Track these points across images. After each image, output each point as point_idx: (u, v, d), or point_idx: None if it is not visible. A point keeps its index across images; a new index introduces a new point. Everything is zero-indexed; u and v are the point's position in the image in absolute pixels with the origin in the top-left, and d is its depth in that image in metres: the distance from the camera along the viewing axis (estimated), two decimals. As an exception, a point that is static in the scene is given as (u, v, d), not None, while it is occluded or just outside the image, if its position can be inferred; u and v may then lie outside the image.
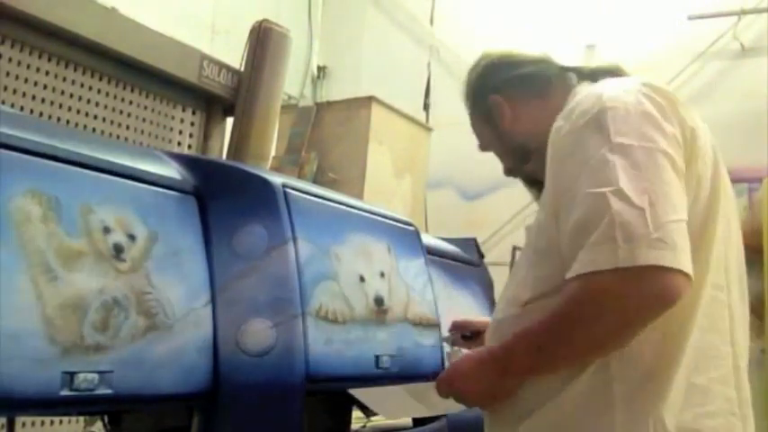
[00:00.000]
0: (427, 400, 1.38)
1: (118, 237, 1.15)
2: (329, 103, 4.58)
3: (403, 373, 1.58)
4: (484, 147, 1.48)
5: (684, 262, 1.00)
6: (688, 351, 1.10)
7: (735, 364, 1.18)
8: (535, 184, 1.38)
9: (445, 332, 1.72)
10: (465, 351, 1.60)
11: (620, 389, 1.08)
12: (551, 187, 1.15)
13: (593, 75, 1.36)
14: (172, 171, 1.35)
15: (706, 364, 1.13)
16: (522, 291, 1.20)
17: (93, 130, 2.04)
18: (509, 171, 1.46)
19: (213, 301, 1.27)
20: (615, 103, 1.11)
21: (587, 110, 1.13)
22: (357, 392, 1.37)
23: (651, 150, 1.06)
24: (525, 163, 1.39)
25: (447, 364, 1.57)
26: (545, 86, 1.37)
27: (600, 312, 1.03)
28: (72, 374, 1.03)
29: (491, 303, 2.20)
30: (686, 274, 1.00)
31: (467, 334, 1.67)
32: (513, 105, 1.38)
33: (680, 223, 1.02)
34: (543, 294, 1.15)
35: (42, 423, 1.84)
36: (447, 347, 1.63)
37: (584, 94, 1.19)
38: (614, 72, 1.34)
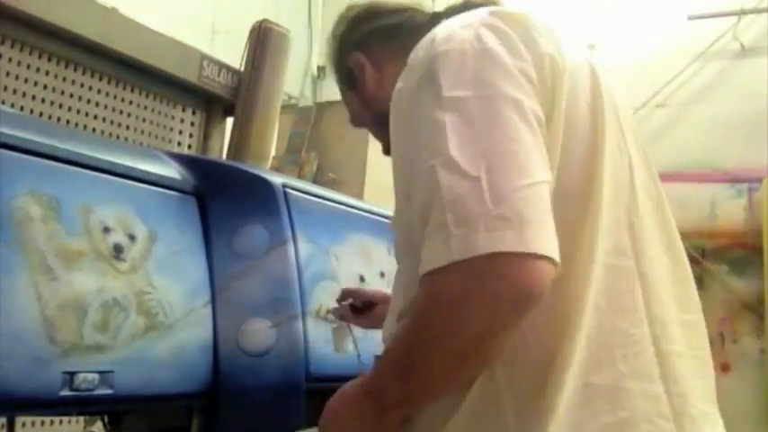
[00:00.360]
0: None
1: (118, 237, 1.15)
2: (329, 103, 4.58)
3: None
4: (355, 122, 1.24)
5: (539, 240, 0.75)
6: (582, 341, 0.83)
7: (657, 350, 0.89)
8: None
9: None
10: (350, 328, 1.39)
11: (511, 403, 0.83)
12: (399, 169, 0.92)
13: (452, 13, 1.04)
14: (172, 171, 1.35)
15: (610, 355, 0.85)
16: (395, 302, 0.96)
17: (93, 130, 2.04)
18: (387, 150, 1.08)
19: (213, 301, 1.27)
20: (448, 45, 0.86)
21: (420, 62, 0.89)
22: None
23: (491, 99, 0.81)
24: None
25: (335, 342, 1.35)
26: (413, 38, 0.98)
27: (444, 322, 0.78)
28: (72, 374, 1.03)
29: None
30: (545, 257, 0.75)
31: (357, 305, 1.40)
32: (378, 64, 1.13)
33: (533, 188, 0.77)
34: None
35: (42, 423, 1.84)
36: (332, 322, 1.38)
37: (420, 43, 0.93)
38: (485, 3, 1.03)
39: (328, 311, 1.40)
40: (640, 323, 0.89)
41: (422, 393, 0.85)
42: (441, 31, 0.90)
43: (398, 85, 0.92)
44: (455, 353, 0.79)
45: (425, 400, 0.87)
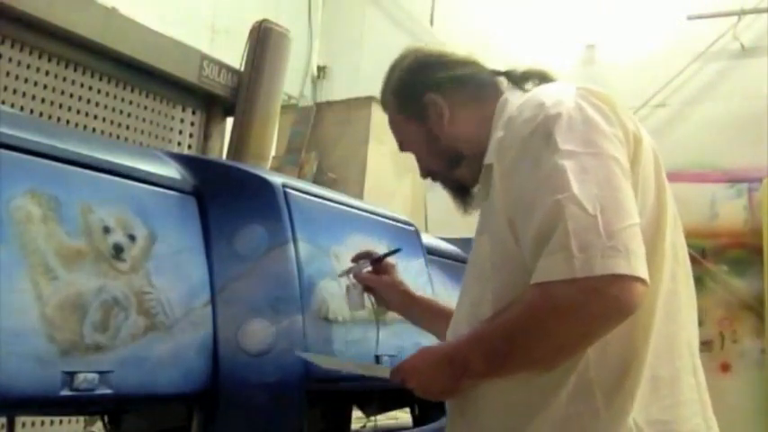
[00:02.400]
0: (368, 373, 1.37)
1: (118, 237, 1.15)
2: (329, 103, 4.58)
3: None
4: (407, 147, 1.39)
5: (640, 268, 1.00)
6: (652, 344, 1.10)
7: (690, 351, 1.18)
8: (460, 190, 1.36)
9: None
10: (362, 291, 1.48)
11: (601, 393, 1.07)
12: (504, 198, 1.13)
13: (523, 78, 1.33)
14: (172, 171, 1.35)
15: (670, 355, 1.13)
16: (479, 309, 1.17)
17: (93, 130, 2.04)
18: (429, 173, 1.38)
19: (213, 301, 1.27)
20: (558, 110, 1.10)
21: (530, 118, 1.12)
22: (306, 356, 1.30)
23: (598, 156, 1.06)
24: (455, 168, 1.33)
25: (351, 300, 1.44)
26: (479, 90, 1.32)
27: (558, 322, 1.03)
28: (72, 374, 1.03)
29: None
30: (642, 280, 1.00)
31: (375, 257, 1.51)
32: (452, 107, 1.31)
33: (633, 228, 1.02)
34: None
35: (42, 423, 1.84)
36: (346, 281, 1.46)
37: (522, 101, 1.18)
38: (543, 76, 1.32)
39: (342, 273, 1.47)
40: (684, 329, 1.17)
41: (506, 372, 1.11)
42: (546, 97, 1.14)
43: (500, 134, 1.17)
44: (558, 346, 1.05)
45: (502, 377, 1.12)
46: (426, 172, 1.39)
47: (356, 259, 1.50)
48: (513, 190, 1.11)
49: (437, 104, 1.31)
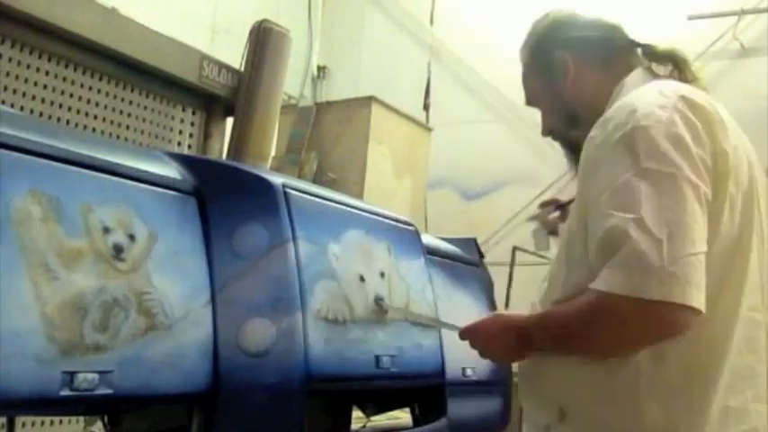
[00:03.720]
0: (438, 324, 1.57)
1: (118, 237, 1.15)
2: (329, 103, 4.58)
3: (403, 374, 1.58)
4: (532, 101, 1.43)
5: (695, 297, 1.04)
6: (725, 374, 1.14)
7: (754, 383, 1.19)
8: (574, 151, 1.35)
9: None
10: (548, 234, 1.64)
11: (651, 406, 1.12)
12: (580, 196, 1.20)
13: (658, 57, 1.34)
14: (172, 171, 1.35)
15: (742, 385, 1.16)
16: (555, 291, 1.25)
17: (93, 130, 2.04)
18: (549, 132, 1.42)
19: (213, 301, 1.27)
20: (648, 122, 1.12)
21: (620, 125, 1.14)
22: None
23: (676, 178, 1.08)
24: (572, 128, 1.36)
25: (538, 240, 1.61)
26: (612, 57, 1.34)
27: (603, 329, 1.12)
28: (72, 374, 1.03)
29: (491, 303, 2.20)
30: (694, 309, 1.04)
31: (561, 203, 1.64)
32: (579, 67, 1.34)
33: (698, 256, 1.05)
34: (572, 297, 1.20)
35: (42, 423, 1.84)
36: (533, 225, 1.63)
37: (620, 103, 1.20)
38: (681, 64, 1.32)
39: (530, 218, 1.65)
40: (762, 361, 1.19)
41: (562, 350, 1.21)
42: (641, 104, 1.15)
43: (593, 132, 1.19)
44: (606, 347, 1.15)
45: (559, 352, 1.21)
46: (547, 130, 1.42)
47: (543, 206, 1.65)
48: (589, 191, 1.16)
49: (564, 62, 1.34)
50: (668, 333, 1.08)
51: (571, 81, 1.34)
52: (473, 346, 1.34)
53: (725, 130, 1.17)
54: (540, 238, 1.61)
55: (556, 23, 1.40)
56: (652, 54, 1.35)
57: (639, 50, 1.36)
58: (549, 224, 1.60)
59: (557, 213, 1.60)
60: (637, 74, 1.31)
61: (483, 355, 1.35)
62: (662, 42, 1.35)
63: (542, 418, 1.27)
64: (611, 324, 1.10)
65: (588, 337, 1.15)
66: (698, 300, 1.04)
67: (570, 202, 1.53)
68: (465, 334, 1.35)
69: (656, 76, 1.32)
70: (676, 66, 1.33)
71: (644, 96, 1.19)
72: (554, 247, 1.58)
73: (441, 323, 1.61)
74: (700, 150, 1.11)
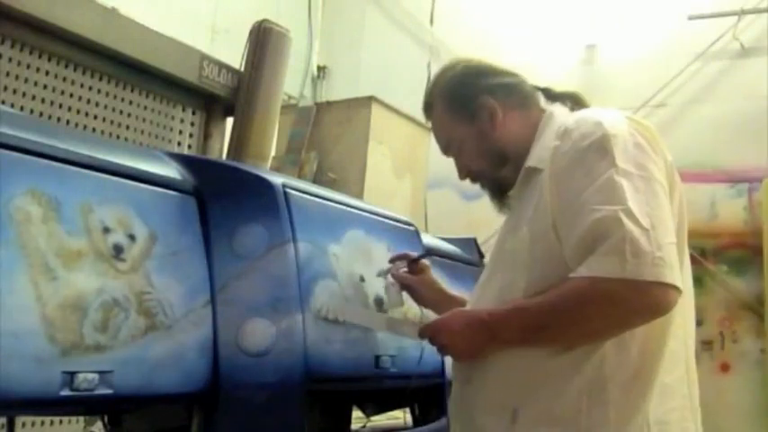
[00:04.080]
0: (396, 329, 1.50)
1: (118, 237, 1.15)
2: (329, 103, 4.58)
3: (403, 373, 1.58)
4: (452, 148, 1.48)
5: (677, 278, 1.16)
6: (666, 353, 1.25)
7: (687, 366, 1.32)
8: (499, 190, 1.45)
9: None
10: (400, 289, 1.60)
11: (614, 389, 1.21)
12: (553, 199, 1.25)
13: (558, 97, 1.47)
14: (172, 171, 1.35)
15: (672, 365, 1.27)
16: (509, 292, 1.30)
17: (93, 130, 2.04)
18: (473, 175, 1.47)
19: (213, 301, 1.27)
20: (616, 131, 1.24)
21: (588, 133, 1.25)
22: (339, 309, 1.41)
23: (648, 179, 1.21)
24: (500, 168, 1.42)
25: (385, 298, 1.57)
26: (524, 98, 1.44)
27: (599, 313, 1.19)
28: (72, 374, 1.03)
29: (491, 303, 2.20)
30: (678, 289, 1.16)
31: (411, 258, 1.62)
32: (504, 110, 1.41)
33: (673, 245, 1.18)
34: (537, 294, 1.25)
35: (42, 423, 1.84)
36: (384, 281, 1.59)
37: (578, 117, 1.32)
38: (577, 99, 1.45)
39: (380, 273, 1.59)
40: (682, 345, 1.30)
41: (534, 343, 1.25)
42: (603, 118, 1.28)
43: (555, 142, 1.29)
44: (592, 331, 1.21)
45: (529, 346, 1.25)
46: (467, 172, 1.48)
47: (393, 260, 1.62)
48: (563, 194, 1.24)
49: (490, 107, 1.41)
50: (658, 310, 1.17)
51: (499, 124, 1.41)
52: (433, 342, 1.35)
53: (663, 145, 1.30)
54: (393, 293, 1.58)
55: (471, 71, 1.47)
56: (552, 95, 1.47)
57: (540, 94, 1.47)
58: (399, 278, 1.59)
59: (406, 268, 1.60)
60: (555, 106, 1.44)
61: (444, 351, 1.36)
62: (557, 85, 1.48)
63: (492, 422, 1.29)
64: (605, 306, 1.17)
65: (580, 323, 1.20)
66: (679, 281, 1.17)
67: (420, 257, 1.62)
68: (425, 331, 1.36)
69: (570, 109, 1.44)
70: (576, 101, 1.45)
71: (601, 113, 1.31)
72: (407, 300, 1.61)
73: (398, 323, 1.54)
74: (656, 156, 1.26)
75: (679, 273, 1.18)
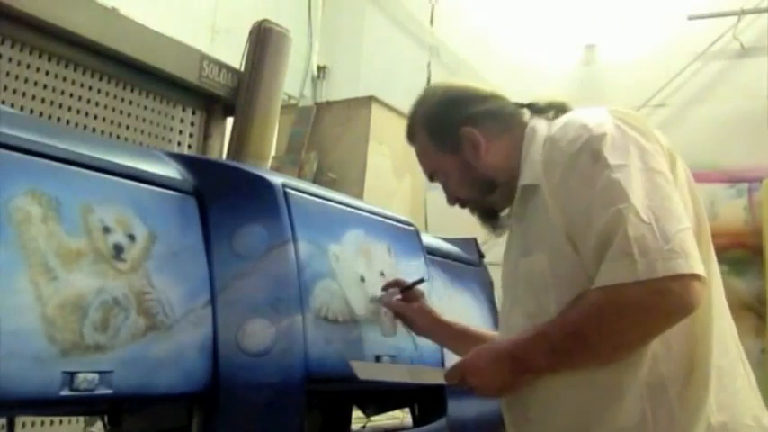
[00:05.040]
0: (419, 378, 1.48)
1: (118, 237, 1.15)
2: (329, 103, 4.58)
3: (403, 373, 1.58)
4: (439, 177, 1.46)
5: (696, 266, 1.09)
6: (714, 336, 1.19)
7: (737, 344, 1.27)
8: (489, 214, 1.44)
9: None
10: (393, 318, 1.56)
11: (673, 386, 1.16)
12: (559, 213, 1.21)
13: (544, 109, 1.41)
14: (172, 171, 1.35)
15: (725, 347, 1.22)
16: (539, 319, 1.23)
17: (93, 130, 2.04)
18: (462, 202, 1.46)
19: (213, 301, 1.27)
20: (602, 130, 1.20)
21: (575, 138, 1.22)
22: (357, 367, 1.37)
23: (645, 171, 1.16)
24: (489, 194, 1.41)
25: (383, 325, 1.53)
26: (508, 121, 1.41)
27: (625, 321, 1.13)
28: (72, 374, 1.03)
29: (491, 303, 2.20)
30: (700, 277, 1.10)
31: (404, 286, 1.59)
32: (487, 138, 1.39)
33: (686, 232, 1.12)
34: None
35: (42, 423, 1.84)
36: (378, 308, 1.55)
37: (561, 125, 1.28)
38: (562, 108, 1.39)
39: (373, 300, 1.55)
40: (729, 323, 1.26)
41: (565, 368, 1.20)
42: (587, 119, 1.24)
43: (540, 157, 1.27)
44: (622, 343, 1.15)
45: (562, 371, 1.20)
46: (455, 199, 1.46)
47: (386, 287, 1.57)
48: (567, 206, 1.20)
49: (473, 137, 1.38)
50: (686, 307, 1.10)
51: (483, 152, 1.38)
52: (463, 385, 1.30)
53: (653, 129, 1.26)
54: (386, 322, 1.55)
55: (451, 100, 1.43)
56: (538, 109, 1.42)
57: (525, 110, 1.43)
58: (392, 306, 1.55)
59: (399, 296, 1.57)
60: (536, 120, 1.38)
61: (477, 392, 1.30)
62: (541, 97, 1.43)
63: None
64: (628, 315, 1.12)
65: (607, 337, 1.15)
66: (699, 267, 1.09)
67: (414, 284, 1.57)
68: (453, 374, 1.31)
69: (550, 119, 1.38)
70: (561, 110, 1.39)
71: (583, 115, 1.27)
72: (400, 328, 1.57)
73: (422, 372, 1.53)
74: (651, 144, 1.21)
75: (698, 259, 1.11)
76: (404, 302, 1.56)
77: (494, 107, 1.42)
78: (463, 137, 1.39)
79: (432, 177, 1.48)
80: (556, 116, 1.38)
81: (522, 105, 1.44)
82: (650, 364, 1.16)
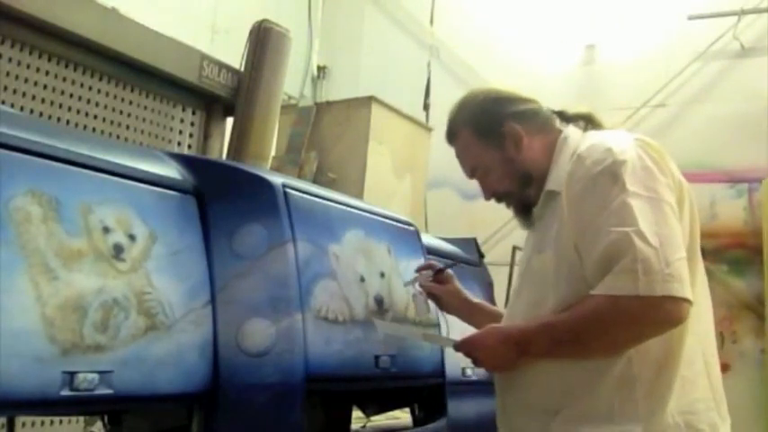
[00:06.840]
0: (432, 340, 1.65)
1: (118, 237, 1.15)
2: (329, 103, 4.57)
3: (403, 374, 1.58)
4: (479, 172, 1.57)
5: (688, 292, 1.26)
6: (685, 349, 1.35)
7: (706, 360, 1.41)
8: (524, 208, 1.54)
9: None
10: (425, 296, 1.73)
11: (641, 386, 1.32)
12: (571, 223, 1.36)
13: (572, 118, 1.57)
14: (172, 171, 1.35)
15: (690, 360, 1.37)
16: (539, 308, 1.41)
17: (93, 130, 2.04)
18: (499, 195, 1.57)
19: (213, 301, 1.27)
20: (624, 156, 1.34)
21: (599, 160, 1.36)
22: (379, 324, 1.52)
23: (656, 201, 1.31)
24: (526, 188, 1.52)
25: (413, 306, 1.69)
26: (544, 122, 1.55)
27: (618, 327, 1.29)
28: (72, 374, 1.03)
29: (491, 303, 2.20)
30: (689, 301, 1.27)
31: (437, 268, 1.74)
32: (528, 135, 1.52)
33: (682, 260, 1.28)
34: (564, 309, 1.36)
35: (42, 423, 1.84)
36: (412, 290, 1.71)
37: (589, 144, 1.42)
38: (590, 118, 1.56)
39: (408, 282, 1.70)
40: (698, 338, 1.40)
41: (560, 356, 1.37)
42: (612, 144, 1.38)
43: (570, 168, 1.40)
44: (613, 344, 1.32)
45: (559, 358, 1.37)
46: (492, 193, 1.58)
47: (420, 270, 1.73)
48: (580, 218, 1.35)
49: (516, 133, 1.52)
50: (672, 322, 1.28)
51: (524, 148, 1.51)
52: (469, 356, 1.46)
53: (672, 163, 1.40)
54: (421, 302, 1.70)
55: (494, 100, 1.57)
56: (567, 117, 1.57)
57: (556, 116, 1.58)
58: (426, 288, 1.71)
59: (431, 278, 1.71)
60: (571, 128, 1.54)
61: (478, 364, 1.47)
62: (570, 107, 1.59)
63: (535, 425, 1.41)
64: (623, 322, 1.28)
65: (601, 337, 1.31)
66: (689, 293, 1.27)
67: (446, 267, 1.74)
68: (462, 347, 1.46)
69: (583, 129, 1.55)
70: (589, 121, 1.56)
71: (610, 139, 1.41)
72: (433, 309, 1.75)
73: (435, 337, 1.69)
74: (664, 178, 1.35)
75: (689, 286, 1.27)
76: (437, 284, 1.72)
77: (532, 107, 1.56)
78: (506, 132, 1.52)
79: (473, 173, 1.59)
80: (586, 127, 1.55)
81: (554, 112, 1.58)
82: (625, 364, 1.32)
